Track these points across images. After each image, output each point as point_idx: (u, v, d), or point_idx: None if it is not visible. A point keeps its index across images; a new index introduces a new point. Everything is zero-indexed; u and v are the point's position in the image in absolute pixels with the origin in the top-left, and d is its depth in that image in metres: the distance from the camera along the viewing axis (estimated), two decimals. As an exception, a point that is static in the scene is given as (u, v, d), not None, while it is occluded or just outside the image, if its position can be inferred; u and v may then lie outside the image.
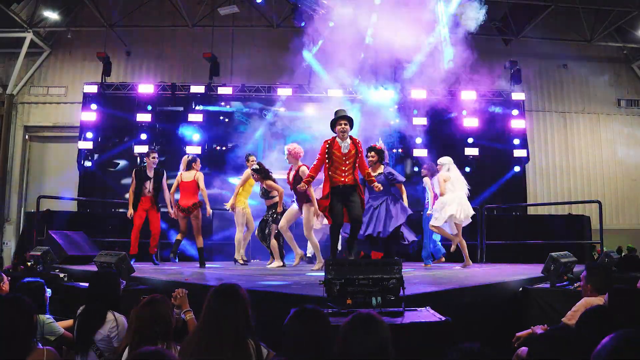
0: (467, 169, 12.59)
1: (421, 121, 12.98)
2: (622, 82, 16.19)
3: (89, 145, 12.95)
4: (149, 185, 7.54)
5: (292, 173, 7.01)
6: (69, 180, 13.80)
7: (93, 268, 5.47)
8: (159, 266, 7.51)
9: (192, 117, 12.88)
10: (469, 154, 12.90)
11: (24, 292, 3.57)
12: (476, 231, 8.92)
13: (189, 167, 7.61)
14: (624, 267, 6.56)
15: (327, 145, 5.77)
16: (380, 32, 12.54)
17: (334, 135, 5.80)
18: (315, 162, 5.88)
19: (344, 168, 5.72)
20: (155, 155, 7.78)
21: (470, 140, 13.07)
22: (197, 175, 7.48)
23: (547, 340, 2.21)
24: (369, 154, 7.08)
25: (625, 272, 6.08)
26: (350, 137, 5.82)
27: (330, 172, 5.75)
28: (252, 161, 8.02)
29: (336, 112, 5.89)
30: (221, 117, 13.32)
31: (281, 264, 7.32)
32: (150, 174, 7.63)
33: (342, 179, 5.71)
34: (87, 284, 5.15)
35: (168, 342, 2.57)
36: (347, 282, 3.07)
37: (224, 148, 13.03)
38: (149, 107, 13.12)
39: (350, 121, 5.79)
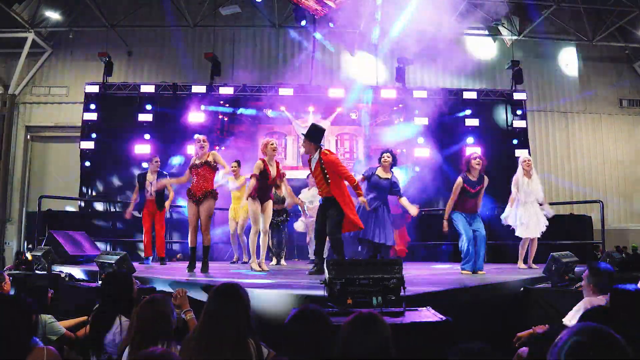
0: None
1: (422, 121, 12.97)
2: (623, 82, 16.17)
3: (90, 145, 12.95)
4: (150, 189, 7.71)
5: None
6: (71, 180, 13.81)
7: (94, 268, 5.48)
8: (167, 265, 7.68)
9: (193, 117, 12.87)
10: (470, 154, 12.87)
11: (26, 292, 3.57)
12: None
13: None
14: (629, 266, 6.55)
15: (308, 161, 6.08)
16: (383, 30, 12.57)
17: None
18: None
19: (317, 183, 5.95)
20: (158, 159, 8.02)
21: (471, 140, 13.06)
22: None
23: (547, 341, 2.21)
24: (384, 154, 7.02)
25: (628, 271, 6.06)
26: (322, 152, 5.87)
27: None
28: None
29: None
30: (221, 117, 13.31)
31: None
32: (153, 176, 7.81)
33: (320, 193, 5.94)
34: (88, 284, 5.19)
35: (169, 341, 2.57)
36: (348, 281, 3.07)
37: (222, 148, 13.03)
38: (151, 107, 13.12)
39: (308, 138, 5.93)
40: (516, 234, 6.93)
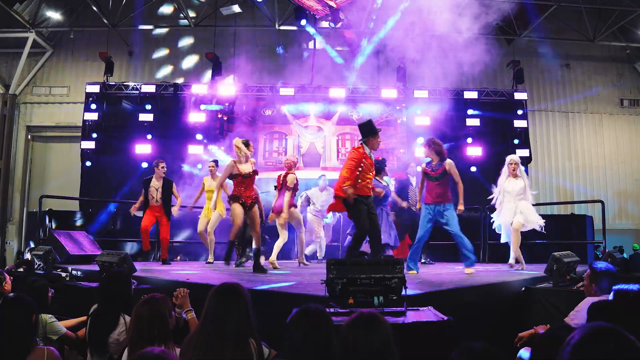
0: (473, 169, 12.59)
1: (423, 121, 12.96)
2: (625, 82, 16.15)
3: (91, 145, 12.96)
4: (156, 195, 7.64)
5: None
6: (72, 180, 13.81)
7: (95, 268, 5.48)
8: (171, 265, 7.65)
9: (194, 117, 12.87)
10: (471, 154, 12.88)
11: (27, 292, 3.57)
12: (479, 231, 8.91)
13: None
14: (629, 267, 6.53)
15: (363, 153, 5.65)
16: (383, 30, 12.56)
17: (362, 144, 5.69)
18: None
19: (369, 180, 5.65)
20: (164, 164, 7.94)
21: (471, 140, 13.04)
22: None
23: (549, 340, 2.20)
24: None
25: (629, 271, 6.05)
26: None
27: (360, 180, 5.56)
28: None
29: (373, 124, 5.81)
30: (220, 116, 13.30)
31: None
32: (158, 182, 7.73)
33: (369, 190, 5.68)
34: (89, 284, 5.18)
35: (166, 342, 2.55)
36: (349, 281, 3.06)
37: (222, 148, 13.05)
38: (151, 107, 13.12)
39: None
40: (502, 240, 6.82)
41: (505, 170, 6.74)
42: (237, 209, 6.09)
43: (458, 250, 6.06)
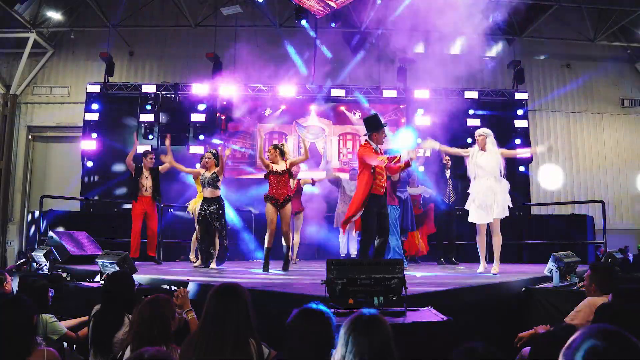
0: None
1: (424, 121, 12.96)
2: (625, 82, 16.13)
3: (92, 145, 12.97)
4: (146, 183, 7.62)
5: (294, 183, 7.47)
6: (72, 180, 13.83)
7: (96, 268, 5.49)
8: (162, 265, 7.62)
9: (194, 117, 12.88)
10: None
11: (27, 292, 3.58)
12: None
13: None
14: (632, 266, 6.53)
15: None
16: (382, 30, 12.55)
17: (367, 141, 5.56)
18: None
19: (383, 178, 5.56)
20: (152, 156, 7.91)
21: (472, 140, 13.02)
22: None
23: (549, 340, 2.20)
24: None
25: (630, 272, 6.05)
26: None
27: (373, 180, 5.42)
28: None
29: (378, 119, 5.71)
30: (218, 115, 13.28)
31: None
32: (148, 172, 7.76)
33: (383, 189, 5.56)
34: (89, 284, 5.19)
35: (167, 343, 2.55)
36: (349, 281, 3.06)
37: (219, 148, 13.04)
38: (152, 107, 13.12)
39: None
40: (469, 219, 6.01)
41: (475, 147, 6.38)
42: (270, 209, 6.26)
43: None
